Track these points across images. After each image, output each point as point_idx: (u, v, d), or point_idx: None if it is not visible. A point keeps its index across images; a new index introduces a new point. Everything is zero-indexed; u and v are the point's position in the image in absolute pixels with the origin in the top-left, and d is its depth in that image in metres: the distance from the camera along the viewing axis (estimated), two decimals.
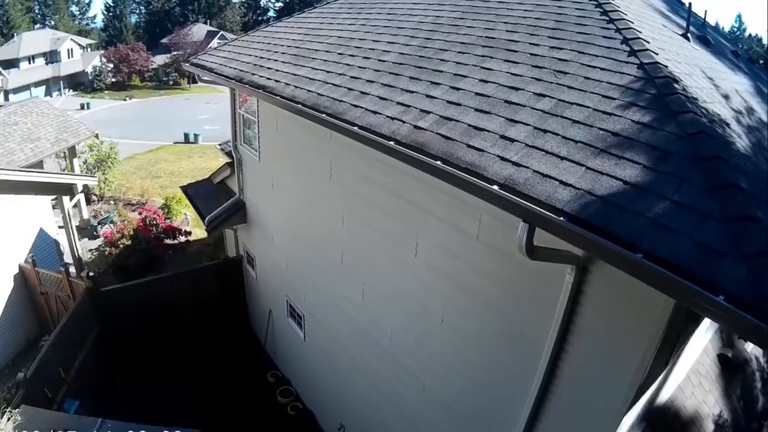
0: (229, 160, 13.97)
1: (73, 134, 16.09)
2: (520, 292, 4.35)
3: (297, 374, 9.83)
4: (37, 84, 46.32)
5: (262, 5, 78.93)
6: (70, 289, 10.37)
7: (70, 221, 12.46)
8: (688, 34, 5.93)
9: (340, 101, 5.17)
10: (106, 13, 67.93)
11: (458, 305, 5.14)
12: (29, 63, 47.02)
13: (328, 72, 5.95)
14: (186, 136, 30.28)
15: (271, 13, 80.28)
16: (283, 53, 7.17)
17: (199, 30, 58.69)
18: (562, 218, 2.88)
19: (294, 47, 7.24)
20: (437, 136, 3.95)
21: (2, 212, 10.71)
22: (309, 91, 5.67)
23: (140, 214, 14.76)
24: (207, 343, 10.48)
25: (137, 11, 72.91)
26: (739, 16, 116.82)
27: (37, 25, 59.94)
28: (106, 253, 13.68)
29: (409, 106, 4.57)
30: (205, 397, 9.49)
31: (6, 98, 39.58)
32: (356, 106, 4.95)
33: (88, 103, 42.67)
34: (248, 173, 9.70)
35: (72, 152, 16.55)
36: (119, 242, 13.53)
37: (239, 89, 7.53)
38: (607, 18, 4.72)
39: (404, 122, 4.35)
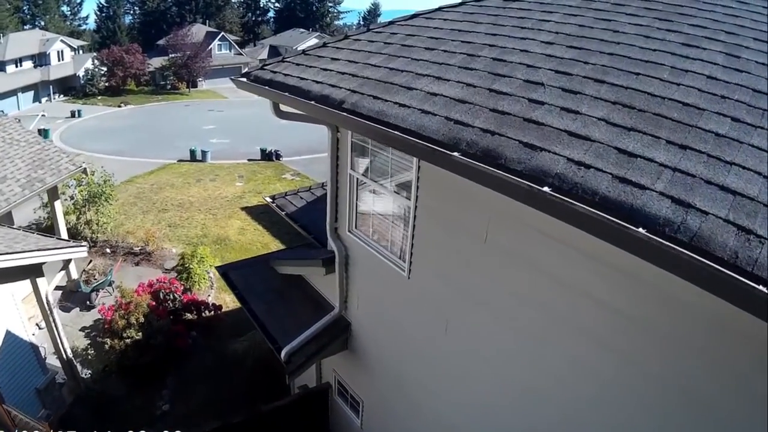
0: (281, 213, 9.96)
1: (53, 170, 11.47)
2: None
3: None
4: (25, 89, 41.82)
5: (261, 5, 74.97)
6: None
7: (52, 315, 8.29)
8: None
9: None
10: (98, 13, 63.43)
11: None
12: (16, 66, 42.43)
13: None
14: (192, 152, 25.66)
15: (271, 14, 76.59)
16: (553, 86, 3.06)
17: (198, 30, 54.23)
18: None
19: (553, 71, 3.19)
20: None
21: None
22: None
23: (150, 286, 10.56)
24: None
25: (131, 12, 68.76)
26: None
27: (27, 26, 55.64)
28: (107, 346, 9.54)
29: None
30: None
31: None
32: None
33: (79, 111, 38.25)
34: (364, 283, 5.52)
35: (53, 192, 12.20)
36: (124, 333, 9.39)
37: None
38: None
39: None
